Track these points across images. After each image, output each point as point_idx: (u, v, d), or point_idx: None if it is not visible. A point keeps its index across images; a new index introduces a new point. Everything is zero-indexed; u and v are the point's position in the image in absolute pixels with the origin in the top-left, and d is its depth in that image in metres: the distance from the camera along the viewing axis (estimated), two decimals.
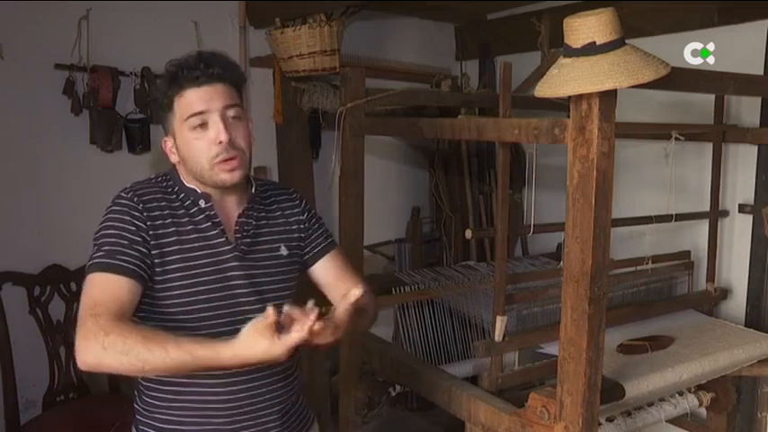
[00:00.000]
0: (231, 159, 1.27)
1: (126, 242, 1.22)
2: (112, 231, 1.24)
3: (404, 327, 2.38)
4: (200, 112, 1.26)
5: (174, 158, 1.34)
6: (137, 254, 1.22)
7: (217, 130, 1.26)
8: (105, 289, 1.18)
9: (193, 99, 1.27)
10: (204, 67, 1.27)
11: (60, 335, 2.43)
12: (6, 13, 2.32)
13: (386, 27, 3.33)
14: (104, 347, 1.09)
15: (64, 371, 2.43)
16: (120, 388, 2.51)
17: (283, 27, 2.67)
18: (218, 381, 1.28)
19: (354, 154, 2.20)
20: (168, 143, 1.34)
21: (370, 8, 3.01)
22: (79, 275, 2.45)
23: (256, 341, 1.03)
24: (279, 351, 1.03)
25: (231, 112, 1.29)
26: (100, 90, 2.45)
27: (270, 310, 1.03)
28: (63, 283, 2.47)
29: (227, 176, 1.28)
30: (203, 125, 1.27)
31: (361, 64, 2.84)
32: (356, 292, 1.14)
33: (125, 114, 2.56)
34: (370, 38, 3.24)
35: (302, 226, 1.45)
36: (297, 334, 1.02)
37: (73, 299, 2.48)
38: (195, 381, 1.28)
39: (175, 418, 1.29)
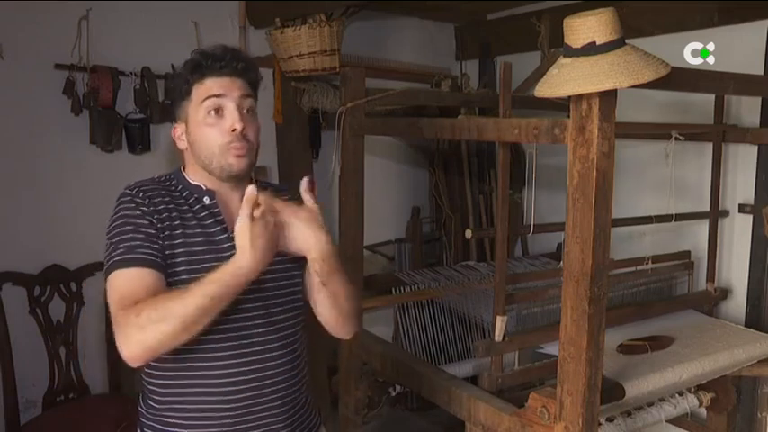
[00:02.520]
0: (241, 148, 1.29)
1: (142, 236, 1.23)
2: (128, 227, 1.24)
3: (404, 327, 2.38)
4: (218, 95, 1.28)
5: (182, 145, 1.35)
6: (156, 245, 1.23)
7: (232, 119, 1.28)
8: (130, 283, 1.19)
9: (213, 86, 1.29)
10: (230, 59, 1.30)
11: (60, 335, 2.43)
12: (6, 13, 2.32)
13: (386, 27, 3.33)
14: (141, 327, 1.12)
15: (64, 371, 2.43)
16: (120, 388, 2.51)
17: (283, 27, 2.67)
18: (222, 381, 1.27)
19: (354, 154, 2.20)
20: (178, 130, 1.35)
21: (370, 8, 3.01)
22: (79, 275, 2.47)
23: (246, 241, 1.14)
24: (255, 231, 1.14)
25: (247, 104, 1.31)
26: (100, 90, 2.45)
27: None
28: (63, 283, 2.47)
29: (234, 161, 1.29)
30: (219, 111, 1.28)
31: (361, 64, 2.84)
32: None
33: (125, 114, 2.57)
34: (370, 38, 3.24)
35: None
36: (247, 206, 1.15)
37: (73, 299, 2.48)
38: (198, 381, 1.27)
39: (179, 420, 1.29)
